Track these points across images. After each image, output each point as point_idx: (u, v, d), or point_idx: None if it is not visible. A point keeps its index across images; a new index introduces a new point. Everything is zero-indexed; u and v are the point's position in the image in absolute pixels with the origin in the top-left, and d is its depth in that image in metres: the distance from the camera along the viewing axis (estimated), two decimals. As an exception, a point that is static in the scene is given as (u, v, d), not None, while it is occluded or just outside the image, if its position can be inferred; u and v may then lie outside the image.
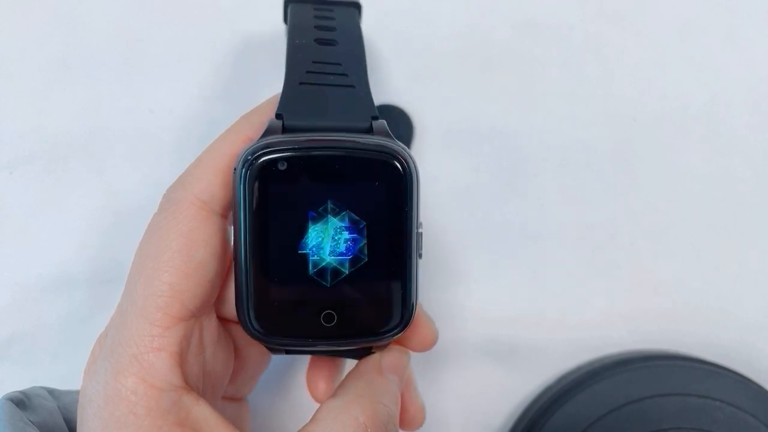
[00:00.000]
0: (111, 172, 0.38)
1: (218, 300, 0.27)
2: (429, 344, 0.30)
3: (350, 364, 0.29)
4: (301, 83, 0.27)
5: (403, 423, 0.31)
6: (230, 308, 0.26)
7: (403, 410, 0.31)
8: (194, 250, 0.25)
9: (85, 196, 0.37)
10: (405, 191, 0.25)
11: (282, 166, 0.24)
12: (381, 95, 0.39)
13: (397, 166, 0.25)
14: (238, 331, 0.28)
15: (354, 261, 0.25)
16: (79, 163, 0.37)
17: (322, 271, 0.25)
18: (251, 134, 0.26)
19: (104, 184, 0.37)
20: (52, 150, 0.37)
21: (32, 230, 0.37)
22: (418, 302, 0.26)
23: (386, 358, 0.28)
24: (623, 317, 0.39)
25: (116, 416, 0.23)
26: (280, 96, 0.27)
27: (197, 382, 0.25)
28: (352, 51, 0.29)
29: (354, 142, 0.25)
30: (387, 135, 0.26)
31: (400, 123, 0.39)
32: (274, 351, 0.28)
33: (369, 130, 0.26)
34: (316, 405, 0.26)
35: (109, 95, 0.38)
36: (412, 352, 0.31)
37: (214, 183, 0.25)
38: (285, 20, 0.31)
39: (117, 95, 0.38)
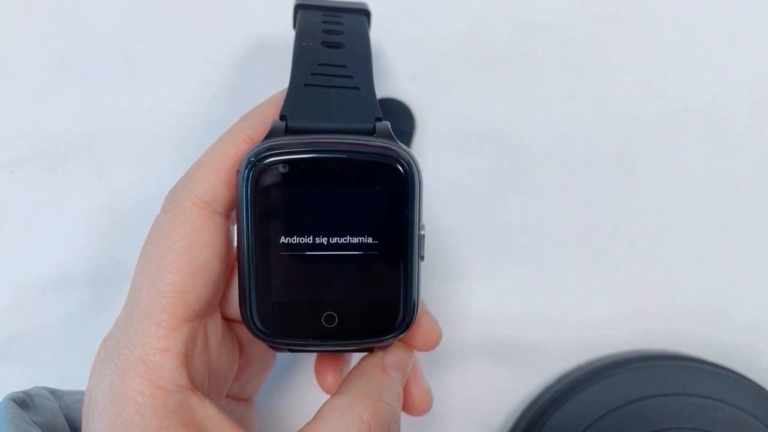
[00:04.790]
0: (111, 172, 0.38)
1: (222, 300, 0.27)
2: (432, 344, 0.30)
3: (357, 355, 0.29)
4: (305, 85, 0.27)
5: (409, 409, 0.31)
6: (234, 308, 0.26)
7: (410, 396, 0.31)
8: (197, 250, 0.25)
9: (85, 196, 0.37)
10: (407, 193, 0.25)
11: (284, 169, 0.24)
12: (382, 95, 0.39)
13: (399, 168, 0.25)
14: (243, 330, 0.28)
15: (355, 263, 0.25)
16: (79, 163, 0.37)
17: (323, 273, 0.25)
18: (251, 134, 0.26)
19: (104, 184, 0.37)
20: (52, 150, 0.37)
21: (32, 230, 0.37)
22: (420, 303, 0.26)
23: (389, 356, 0.28)
24: (623, 317, 0.39)
25: (123, 417, 0.23)
26: (282, 96, 0.27)
27: (202, 382, 0.25)
28: (358, 53, 0.29)
29: (356, 144, 0.25)
30: (390, 137, 0.26)
31: (402, 117, 0.39)
32: (277, 349, 0.28)
33: (372, 132, 0.26)
34: (319, 403, 0.26)
35: (109, 95, 0.38)
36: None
37: (216, 183, 0.25)
38: (294, 26, 0.31)
39: (117, 95, 0.38)
